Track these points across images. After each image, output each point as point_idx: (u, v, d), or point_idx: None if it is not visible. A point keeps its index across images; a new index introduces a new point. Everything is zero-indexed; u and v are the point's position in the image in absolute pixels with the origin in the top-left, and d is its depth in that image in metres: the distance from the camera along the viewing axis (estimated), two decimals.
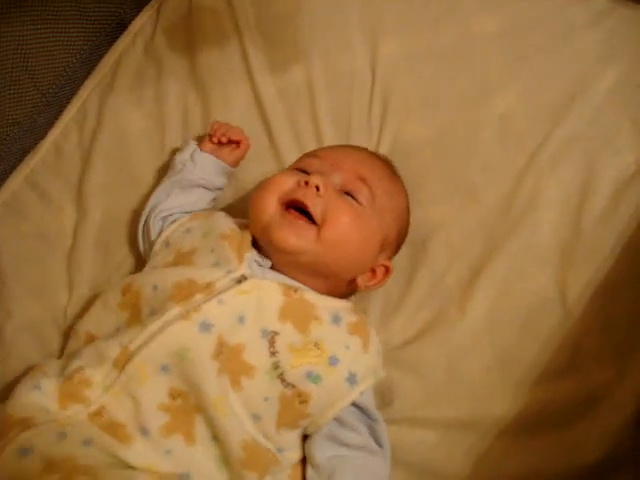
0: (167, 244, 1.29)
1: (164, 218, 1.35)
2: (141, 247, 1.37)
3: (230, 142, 1.40)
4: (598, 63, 1.42)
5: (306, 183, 1.19)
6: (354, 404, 1.16)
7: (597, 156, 1.36)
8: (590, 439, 1.22)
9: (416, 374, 1.28)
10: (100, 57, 1.60)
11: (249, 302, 1.13)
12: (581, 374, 1.25)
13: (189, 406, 1.08)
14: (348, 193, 1.22)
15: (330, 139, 1.46)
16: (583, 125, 1.38)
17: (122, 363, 1.08)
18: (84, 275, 1.43)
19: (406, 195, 1.34)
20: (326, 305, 1.19)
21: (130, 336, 1.10)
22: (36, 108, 1.49)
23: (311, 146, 1.44)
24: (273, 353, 1.11)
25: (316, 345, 1.13)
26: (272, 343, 1.11)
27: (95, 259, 1.44)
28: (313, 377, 1.11)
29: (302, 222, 1.18)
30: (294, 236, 1.17)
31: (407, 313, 1.34)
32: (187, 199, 1.36)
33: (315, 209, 1.17)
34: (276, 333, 1.12)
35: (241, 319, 1.12)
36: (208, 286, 1.14)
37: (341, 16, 1.53)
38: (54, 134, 1.54)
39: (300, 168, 1.26)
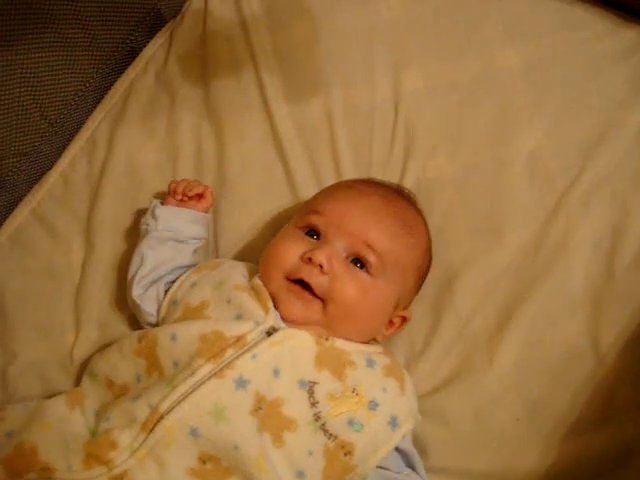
0: (174, 302, 1.23)
1: (149, 285, 1.28)
2: (142, 324, 1.29)
3: (195, 196, 1.35)
4: (628, 99, 1.38)
5: (309, 259, 1.14)
6: (397, 449, 1.13)
7: (629, 196, 1.31)
8: None
9: (444, 424, 1.24)
10: (110, 85, 1.55)
11: (283, 354, 1.09)
12: (614, 426, 1.20)
13: (220, 470, 1.03)
14: (357, 259, 1.17)
15: (349, 174, 1.41)
16: (614, 164, 1.34)
17: (151, 425, 1.03)
18: (92, 315, 1.37)
19: (426, 232, 1.28)
20: (358, 350, 1.15)
21: (160, 395, 1.05)
22: (43, 138, 1.44)
23: (330, 181, 1.39)
24: (313, 404, 1.07)
25: (354, 391, 1.09)
26: (311, 393, 1.07)
27: (103, 298, 1.38)
28: (355, 425, 1.08)
29: (309, 296, 1.14)
30: (301, 309, 1.14)
31: (432, 359, 1.28)
32: (161, 256, 1.29)
33: (319, 289, 1.13)
34: (315, 383, 1.08)
35: (276, 372, 1.07)
36: (239, 340, 1.09)
37: (361, 45, 1.49)
38: (62, 165, 1.49)
39: (304, 227, 1.21)
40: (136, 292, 1.26)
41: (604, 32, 1.44)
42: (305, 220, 1.22)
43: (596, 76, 1.41)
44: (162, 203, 1.34)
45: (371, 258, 1.16)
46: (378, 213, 1.20)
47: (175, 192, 1.33)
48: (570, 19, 1.46)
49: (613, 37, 1.43)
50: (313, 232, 1.20)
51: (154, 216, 1.31)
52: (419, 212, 1.30)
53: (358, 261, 1.17)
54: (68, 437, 1.06)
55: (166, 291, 1.25)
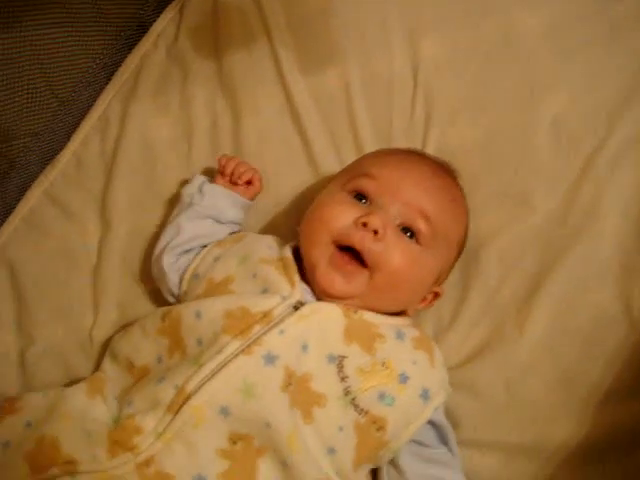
0: (196, 276, 1.21)
1: (181, 254, 1.26)
2: (165, 293, 1.27)
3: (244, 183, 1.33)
4: None
5: (364, 225, 1.10)
6: (429, 422, 1.10)
7: None
8: None
9: (474, 396, 1.21)
10: (121, 61, 1.52)
11: (311, 328, 1.06)
12: None
13: (251, 450, 1.01)
14: (407, 228, 1.13)
15: (370, 145, 1.37)
16: None
17: (177, 407, 1.00)
18: (110, 295, 1.35)
19: (467, 209, 1.26)
20: (387, 322, 1.13)
21: (184, 376, 1.02)
22: (55, 117, 1.41)
23: (350, 153, 1.36)
24: (343, 378, 1.05)
25: (384, 365, 1.07)
26: (341, 368, 1.05)
27: (122, 278, 1.36)
28: (386, 398, 1.06)
29: (352, 268, 1.11)
30: (342, 281, 1.11)
31: (461, 331, 1.26)
32: (199, 231, 1.27)
33: (371, 255, 1.10)
34: (344, 357, 1.06)
35: (304, 347, 1.05)
36: (266, 315, 1.06)
37: (377, 14, 1.44)
38: (74, 144, 1.46)
39: (355, 191, 1.17)
40: (168, 260, 1.24)
41: None
42: (355, 183, 1.17)
43: (620, 37, 1.36)
44: (210, 181, 1.32)
45: (423, 228, 1.13)
46: (431, 184, 1.18)
47: (224, 172, 1.31)
48: None
49: None
50: (361, 196, 1.16)
51: (201, 191, 1.29)
52: (461, 189, 1.27)
53: (407, 230, 1.13)
54: (90, 427, 1.04)
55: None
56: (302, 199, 1.33)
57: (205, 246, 1.26)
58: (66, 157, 1.45)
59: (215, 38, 1.49)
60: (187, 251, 1.25)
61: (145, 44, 1.52)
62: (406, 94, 1.40)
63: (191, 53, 1.49)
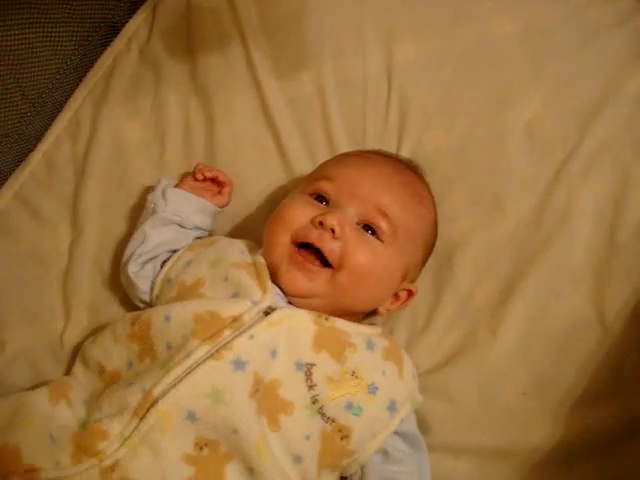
0: (168, 280, 1.19)
1: (146, 262, 1.24)
2: (134, 300, 1.26)
3: (213, 182, 1.32)
4: (626, 65, 1.36)
5: (321, 223, 1.11)
6: (396, 433, 1.10)
7: (630, 164, 1.29)
8: (635, 467, 1.14)
9: (448, 400, 1.21)
10: (92, 63, 1.49)
11: (280, 334, 1.05)
12: (622, 398, 1.18)
13: (218, 456, 0.99)
14: (367, 225, 1.14)
15: (344, 149, 1.36)
16: (613, 132, 1.32)
17: (143, 411, 0.98)
18: (81, 299, 1.33)
19: (434, 206, 1.27)
20: (358, 331, 1.12)
21: (153, 380, 1.01)
22: (24, 118, 1.38)
23: (325, 157, 1.35)
24: (311, 387, 1.04)
25: (353, 374, 1.06)
26: (309, 376, 1.04)
27: (93, 281, 1.34)
28: (354, 409, 1.05)
29: (313, 266, 1.11)
30: (303, 279, 1.11)
31: (435, 336, 1.26)
32: (164, 237, 1.25)
33: (331, 254, 1.11)
34: (312, 365, 1.05)
35: (273, 353, 1.04)
36: (236, 320, 1.05)
37: (351, 18, 1.45)
38: (44, 146, 1.44)
39: (313, 193, 1.18)
40: (132, 269, 1.23)
41: None
42: (314, 186, 1.19)
43: (593, 43, 1.38)
44: (176, 184, 1.31)
45: (383, 224, 1.14)
46: (390, 181, 1.18)
47: (195, 175, 1.31)
48: None
49: (608, 3, 1.40)
50: (322, 198, 1.17)
51: (165, 197, 1.27)
52: (427, 185, 1.28)
53: (369, 228, 1.14)
54: (55, 432, 1.01)
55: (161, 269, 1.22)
56: (276, 203, 1.31)
57: (174, 251, 1.25)
58: (36, 159, 1.42)
59: (188, 40, 1.47)
60: (153, 258, 1.24)
61: (117, 45, 1.50)
62: (380, 98, 1.40)
63: (164, 55, 1.47)
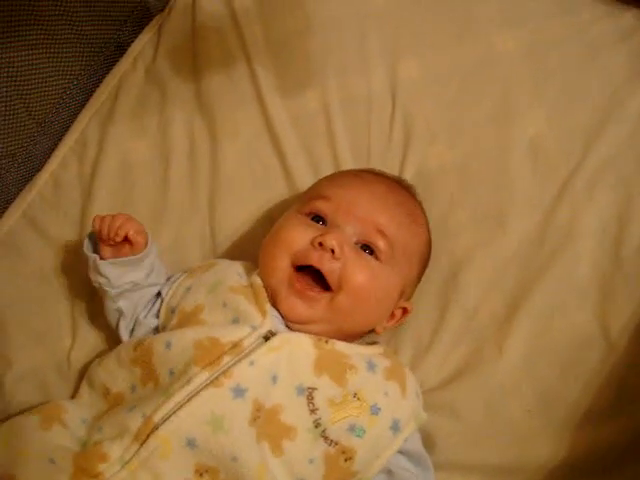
0: (172, 310, 1.18)
1: (136, 325, 1.22)
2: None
3: (124, 240, 1.19)
4: (628, 81, 1.37)
5: (320, 245, 1.10)
6: (401, 452, 1.10)
7: (633, 180, 1.30)
8: None
9: (454, 417, 1.21)
10: (99, 82, 1.51)
11: (281, 359, 1.05)
12: (628, 414, 1.18)
13: None
14: (365, 245, 1.14)
15: (348, 166, 1.38)
16: (617, 148, 1.33)
17: (144, 436, 0.99)
18: (89, 318, 1.33)
19: (427, 224, 1.27)
20: (358, 353, 1.12)
21: (154, 405, 1.01)
22: (32, 138, 1.40)
23: (329, 173, 1.34)
24: (313, 410, 1.04)
25: (355, 396, 1.06)
26: (310, 400, 1.04)
27: (100, 300, 1.33)
28: (357, 430, 1.05)
29: (312, 293, 1.11)
30: (303, 306, 1.11)
31: (440, 352, 1.26)
32: (133, 300, 1.22)
33: (331, 275, 1.10)
34: (314, 389, 1.05)
35: (274, 378, 1.04)
36: (235, 346, 1.05)
37: (356, 35, 1.46)
38: (52, 166, 1.45)
39: (310, 213, 1.18)
40: (127, 338, 1.21)
41: (601, 14, 1.43)
42: (310, 206, 1.18)
43: (595, 59, 1.39)
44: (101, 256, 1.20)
45: (381, 244, 1.14)
46: (385, 201, 1.18)
47: (101, 237, 1.18)
48: (567, 2, 1.44)
49: (610, 19, 1.42)
50: (318, 218, 1.17)
51: (103, 274, 1.18)
52: (420, 204, 1.28)
53: (366, 247, 1.14)
54: (54, 454, 1.00)
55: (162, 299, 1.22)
56: None
57: (153, 295, 1.23)
58: (44, 179, 1.43)
59: (194, 59, 1.49)
60: (138, 321, 1.22)
61: (123, 65, 1.51)
62: (385, 115, 1.41)
63: (169, 74, 1.48)
